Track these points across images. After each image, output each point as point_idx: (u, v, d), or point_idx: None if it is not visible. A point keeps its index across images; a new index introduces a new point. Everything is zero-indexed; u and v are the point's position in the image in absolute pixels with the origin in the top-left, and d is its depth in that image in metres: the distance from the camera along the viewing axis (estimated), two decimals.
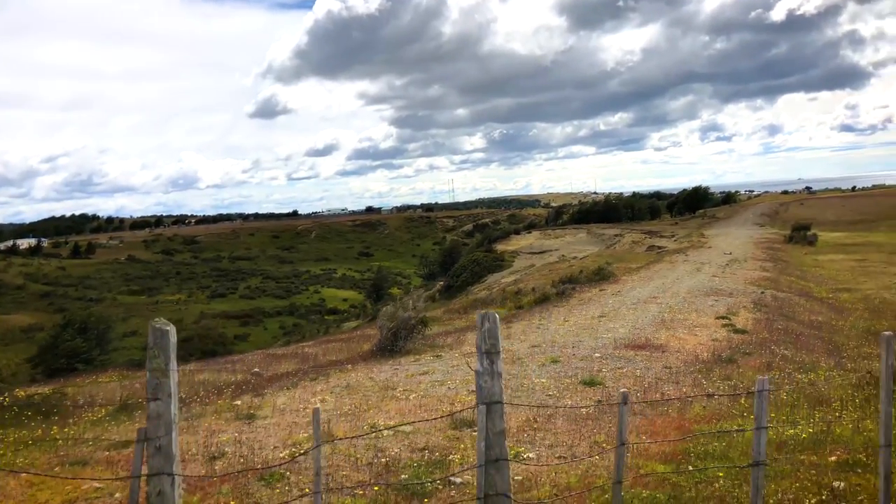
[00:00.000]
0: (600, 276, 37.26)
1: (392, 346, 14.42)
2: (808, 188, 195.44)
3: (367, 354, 14.48)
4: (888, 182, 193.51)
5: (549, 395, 9.39)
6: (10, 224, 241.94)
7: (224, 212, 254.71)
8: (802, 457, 6.33)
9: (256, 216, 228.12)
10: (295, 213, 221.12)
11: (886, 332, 4.18)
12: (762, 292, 25.77)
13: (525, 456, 6.86)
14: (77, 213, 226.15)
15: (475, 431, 7.81)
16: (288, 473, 6.64)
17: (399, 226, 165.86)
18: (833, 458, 6.21)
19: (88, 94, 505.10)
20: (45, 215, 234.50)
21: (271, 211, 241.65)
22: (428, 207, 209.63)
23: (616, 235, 74.18)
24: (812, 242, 49.25)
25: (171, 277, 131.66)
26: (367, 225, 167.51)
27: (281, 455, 7.38)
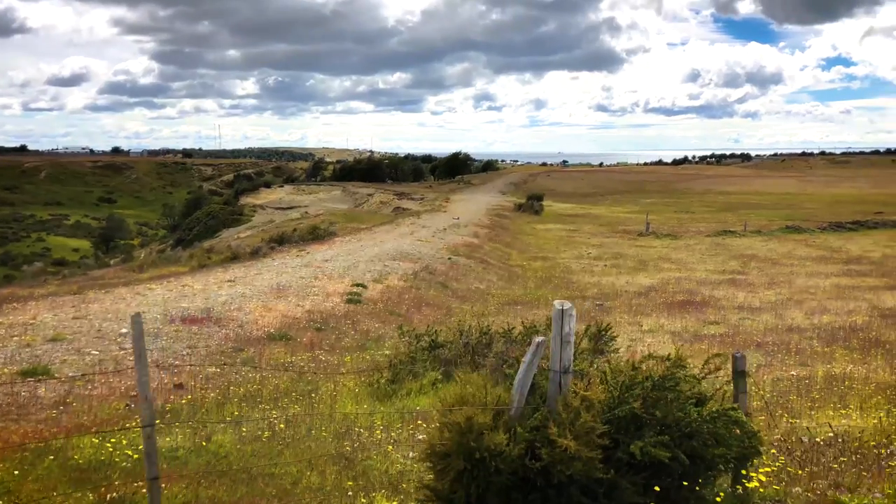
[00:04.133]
0: (314, 236, 35.30)
1: None
2: (564, 161, 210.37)
3: None
4: (630, 161, 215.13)
5: None
6: None
7: None
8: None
9: None
10: (23, 149, 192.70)
11: None
12: (448, 258, 25.06)
13: None
14: None
15: None
16: None
17: (149, 171, 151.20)
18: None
19: None
20: None
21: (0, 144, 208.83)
22: (187, 153, 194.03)
23: (369, 195, 72.90)
24: (538, 212, 51.19)
25: None
26: (112, 167, 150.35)
27: None
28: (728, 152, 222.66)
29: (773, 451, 5.12)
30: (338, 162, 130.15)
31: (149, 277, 24.78)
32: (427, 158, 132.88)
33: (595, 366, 5.93)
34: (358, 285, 15.93)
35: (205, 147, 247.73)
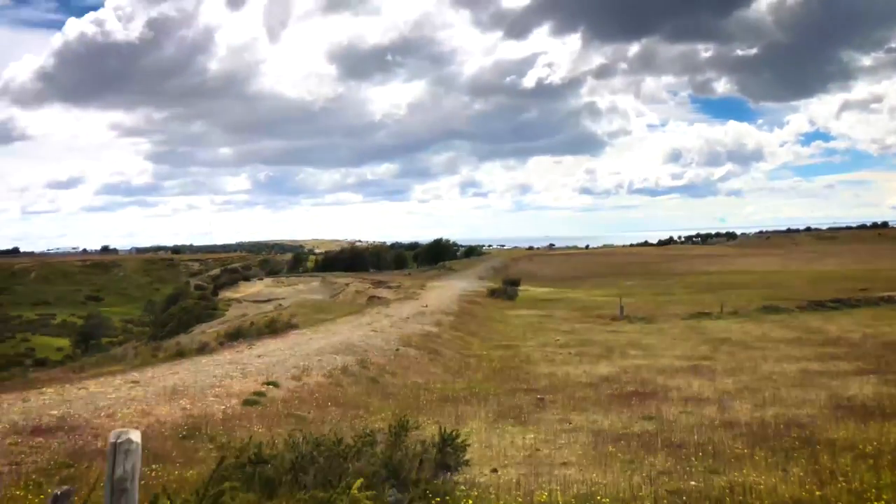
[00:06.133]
0: (270, 330, 34.35)
1: None
2: (551, 245, 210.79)
3: None
4: (617, 242, 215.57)
5: None
6: None
7: None
8: None
9: None
10: (16, 251, 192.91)
11: None
12: (396, 350, 23.82)
13: None
14: None
15: None
16: None
17: (137, 268, 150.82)
18: None
19: None
20: None
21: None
22: (176, 250, 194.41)
23: (346, 284, 72.02)
24: (512, 297, 50.11)
25: None
26: (100, 266, 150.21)
27: None
28: (714, 231, 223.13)
29: None
30: (322, 253, 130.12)
31: (88, 376, 23.49)
32: (412, 246, 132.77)
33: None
34: (270, 384, 14.65)
35: (197, 243, 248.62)
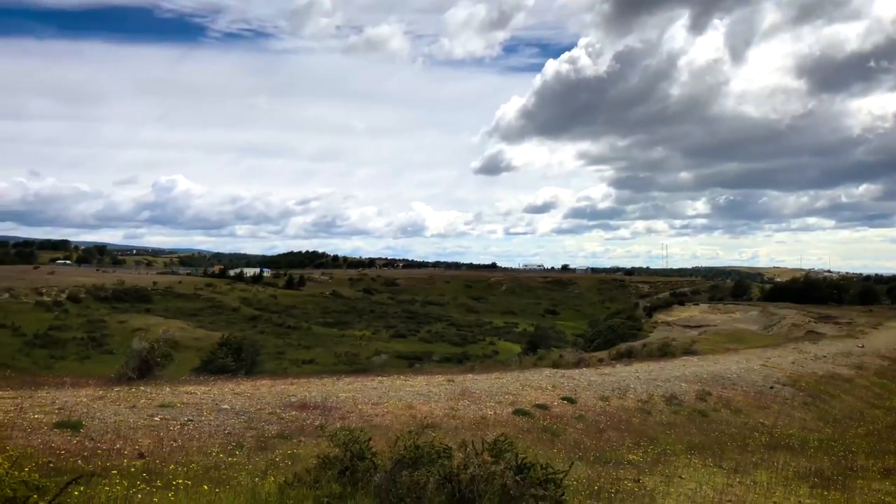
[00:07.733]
0: (662, 353, 33.83)
1: (137, 374, 13.83)
2: None
3: (110, 381, 13.96)
4: None
5: None
6: (263, 255, 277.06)
7: (444, 259, 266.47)
8: None
9: (467, 266, 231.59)
10: (493, 266, 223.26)
11: None
12: (770, 387, 21.11)
13: None
14: (320, 250, 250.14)
15: None
16: None
17: (590, 287, 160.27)
18: None
19: (337, 146, 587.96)
20: (294, 250, 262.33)
21: (486, 262, 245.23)
22: (628, 272, 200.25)
23: (784, 317, 65.15)
24: None
25: (365, 314, 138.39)
26: (558, 283, 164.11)
27: None
28: None
29: None
30: (778, 282, 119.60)
31: (438, 372, 26.41)
32: (892, 279, 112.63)
33: None
34: (566, 399, 14.51)
35: (652, 266, 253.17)
